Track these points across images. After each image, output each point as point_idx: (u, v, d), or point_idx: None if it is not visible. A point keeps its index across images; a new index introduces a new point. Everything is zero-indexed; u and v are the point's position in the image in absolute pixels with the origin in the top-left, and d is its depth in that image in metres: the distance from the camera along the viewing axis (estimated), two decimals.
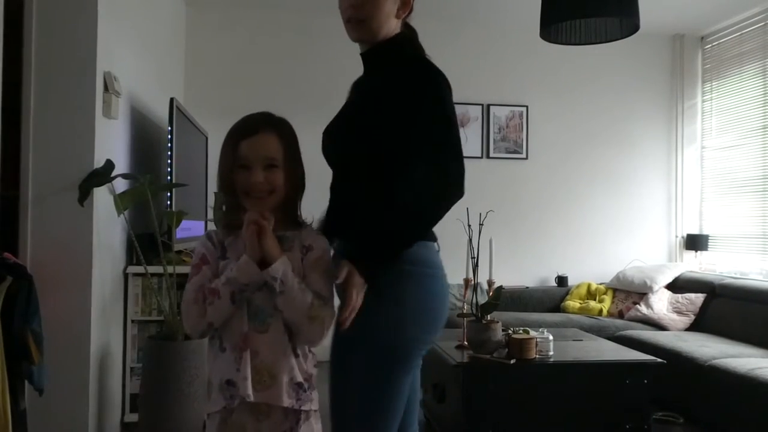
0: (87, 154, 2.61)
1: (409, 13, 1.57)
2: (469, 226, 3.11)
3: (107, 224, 2.82)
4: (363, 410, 1.42)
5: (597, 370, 2.85)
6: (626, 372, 2.85)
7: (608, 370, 2.85)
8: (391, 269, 1.39)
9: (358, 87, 1.61)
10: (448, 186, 1.40)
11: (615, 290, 4.87)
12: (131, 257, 3.23)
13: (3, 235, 2.67)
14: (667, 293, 4.56)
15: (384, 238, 1.38)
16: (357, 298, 1.34)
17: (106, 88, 2.72)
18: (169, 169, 3.15)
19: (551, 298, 4.91)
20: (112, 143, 2.88)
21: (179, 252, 3.31)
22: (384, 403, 1.41)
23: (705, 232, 5.21)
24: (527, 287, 4.99)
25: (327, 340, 1.45)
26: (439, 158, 1.39)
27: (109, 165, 2.69)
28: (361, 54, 1.58)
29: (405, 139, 1.40)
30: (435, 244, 1.54)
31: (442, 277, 1.50)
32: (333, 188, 1.59)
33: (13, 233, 2.57)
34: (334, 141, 1.55)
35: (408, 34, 1.58)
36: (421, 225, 1.42)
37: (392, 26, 1.52)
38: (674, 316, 4.33)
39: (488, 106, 5.12)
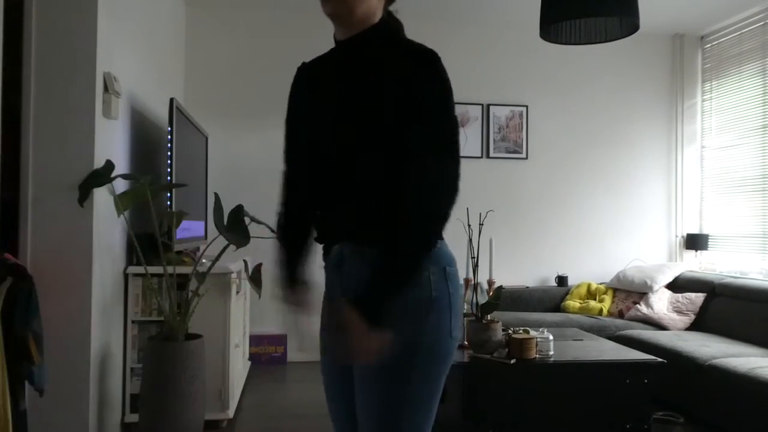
0: (87, 154, 2.61)
1: (392, 1, 1.43)
2: (469, 226, 3.11)
3: (107, 225, 2.82)
4: (420, 418, 1.32)
5: (597, 370, 2.84)
6: (626, 372, 2.85)
7: (608, 369, 2.85)
8: (435, 272, 1.31)
9: (341, 75, 1.41)
10: (454, 193, 1.28)
11: (615, 290, 4.87)
12: (131, 258, 3.23)
13: (3, 235, 2.67)
14: (668, 293, 4.56)
15: (397, 275, 1.24)
16: (366, 343, 1.22)
17: (105, 89, 2.72)
18: (169, 170, 3.15)
19: (551, 298, 4.91)
20: (112, 144, 2.88)
21: (179, 252, 3.31)
22: (434, 406, 1.34)
23: (705, 232, 5.22)
24: (527, 287, 4.99)
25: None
26: (446, 163, 1.28)
27: (109, 165, 2.69)
28: (339, 41, 1.41)
29: (412, 140, 1.27)
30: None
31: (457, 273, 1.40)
32: (326, 188, 1.41)
33: (13, 234, 2.57)
34: (334, 135, 1.37)
35: (393, 23, 1.43)
36: (434, 239, 1.31)
37: (372, 6, 1.36)
38: (674, 315, 4.33)
39: (488, 105, 5.12)
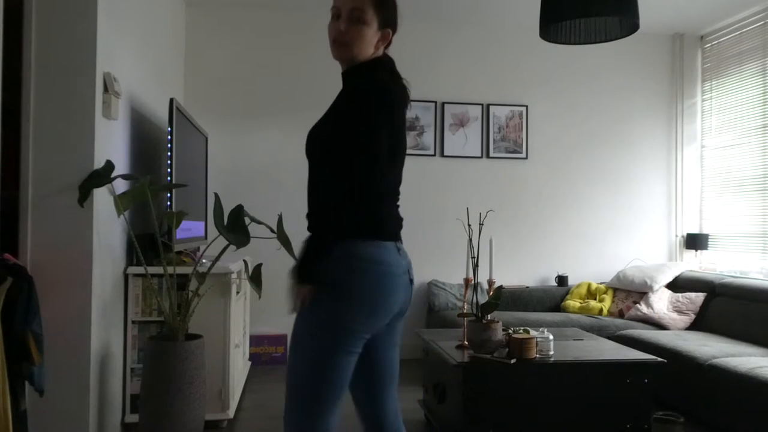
0: (87, 154, 2.61)
1: (388, 45, 1.77)
2: (469, 226, 3.11)
3: (107, 225, 2.82)
4: (308, 381, 1.61)
5: (597, 370, 2.85)
6: (627, 371, 2.85)
7: (609, 369, 2.85)
8: (343, 265, 1.60)
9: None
10: (360, 186, 1.54)
11: (615, 290, 4.87)
12: (131, 258, 3.23)
13: (3, 235, 2.67)
14: (668, 292, 4.56)
15: (312, 241, 1.60)
16: (296, 300, 1.62)
17: (105, 89, 2.73)
18: (169, 170, 3.15)
19: (551, 298, 4.91)
20: (111, 144, 2.88)
21: (179, 252, 3.31)
22: (326, 375, 1.60)
23: (705, 232, 5.22)
24: (527, 287, 4.99)
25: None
26: (356, 161, 1.55)
27: (109, 166, 2.69)
28: (341, 72, 1.76)
29: (337, 142, 1.59)
30: (392, 243, 1.67)
31: (389, 273, 1.64)
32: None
33: (13, 234, 2.57)
34: (307, 143, 1.74)
35: (384, 60, 1.76)
36: (336, 222, 1.58)
37: (370, 53, 1.71)
38: (674, 315, 4.33)
39: (488, 105, 5.12)
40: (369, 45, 1.70)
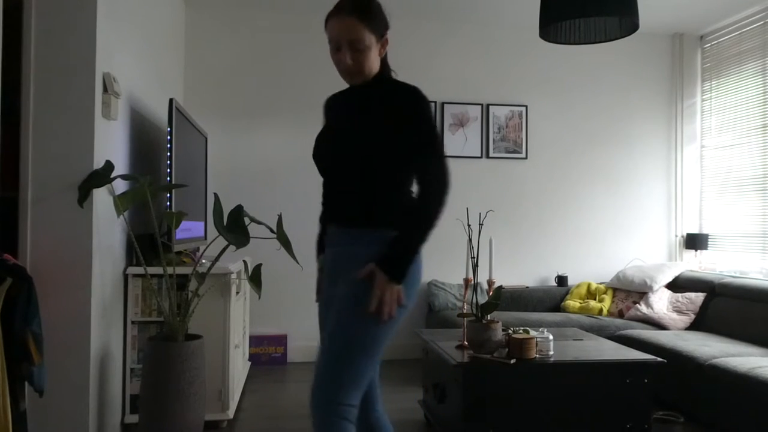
0: (86, 155, 2.61)
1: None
2: (469, 226, 3.11)
3: (107, 225, 2.82)
4: (360, 358, 1.63)
5: (597, 370, 2.84)
6: (626, 371, 2.85)
7: (608, 369, 2.85)
8: (417, 260, 1.72)
9: (350, 103, 1.86)
10: (447, 181, 1.68)
11: (615, 290, 4.87)
12: (131, 258, 3.23)
13: (3, 236, 2.67)
14: (667, 292, 4.56)
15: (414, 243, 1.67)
16: (390, 295, 1.61)
17: (105, 89, 2.73)
18: (168, 170, 3.15)
19: (551, 298, 4.91)
20: (111, 144, 2.88)
21: (179, 253, 3.31)
22: (376, 354, 1.66)
23: (705, 232, 5.22)
24: (527, 287, 4.99)
25: None
26: (438, 155, 1.69)
27: (109, 166, 2.69)
28: (352, 85, 1.83)
29: (409, 142, 1.69)
30: None
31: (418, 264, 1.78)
32: (337, 184, 1.79)
33: (12, 234, 2.57)
34: (347, 146, 1.74)
35: (387, 71, 1.86)
36: (420, 221, 1.67)
37: (374, 67, 1.78)
38: (674, 315, 4.33)
39: (488, 105, 5.12)
40: (376, 60, 1.77)
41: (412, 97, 1.71)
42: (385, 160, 1.71)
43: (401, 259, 1.63)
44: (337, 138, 1.79)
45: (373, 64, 1.76)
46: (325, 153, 1.80)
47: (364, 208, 1.72)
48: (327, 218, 1.85)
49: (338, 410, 1.57)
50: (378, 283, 1.61)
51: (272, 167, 4.87)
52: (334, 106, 1.94)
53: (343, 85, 1.86)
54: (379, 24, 1.75)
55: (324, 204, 1.86)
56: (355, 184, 1.73)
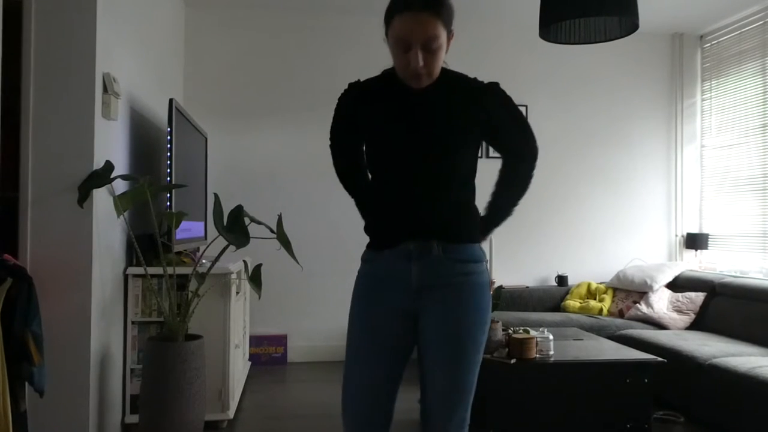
0: (86, 155, 2.61)
1: None
2: None
3: (107, 225, 2.82)
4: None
5: (597, 370, 2.85)
6: (627, 371, 2.85)
7: (609, 369, 2.85)
8: None
9: (427, 98, 1.68)
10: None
11: (615, 289, 4.87)
12: (131, 258, 3.23)
13: (3, 236, 2.67)
14: (668, 292, 4.56)
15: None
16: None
17: (105, 90, 2.72)
18: (168, 170, 3.15)
19: (551, 298, 4.91)
20: (111, 144, 2.88)
21: (179, 253, 3.31)
22: None
23: (705, 231, 5.22)
24: (527, 287, 4.99)
25: None
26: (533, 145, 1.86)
27: (109, 166, 2.69)
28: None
29: (508, 138, 1.85)
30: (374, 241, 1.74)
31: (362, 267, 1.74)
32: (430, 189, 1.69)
33: (12, 234, 2.57)
34: (437, 141, 1.67)
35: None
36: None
37: (440, 66, 1.65)
38: (674, 315, 4.33)
39: None
40: (443, 57, 1.64)
41: (500, 91, 1.74)
42: (471, 166, 1.79)
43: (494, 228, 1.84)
44: (432, 134, 1.65)
45: (441, 64, 1.62)
46: (420, 146, 1.64)
47: (466, 219, 1.76)
48: (399, 224, 1.66)
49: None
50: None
51: (272, 167, 4.87)
52: (390, 95, 1.68)
53: (344, 79, 1.78)
54: (450, 17, 1.58)
55: (394, 206, 1.67)
56: (456, 190, 1.76)
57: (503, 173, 1.91)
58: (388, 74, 1.69)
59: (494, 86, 1.73)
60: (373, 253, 1.72)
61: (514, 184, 1.87)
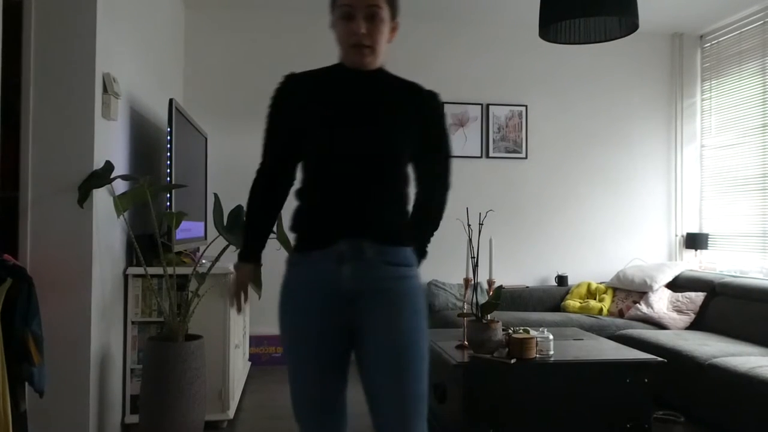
0: (86, 155, 2.61)
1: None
2: (469, 225, 3.10)
3: (107, 225, 2.82)
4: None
5: (597, 370, 2.84)
6: (627, 371, 2.85)
7: (609, 369, 2.85)
8: None
9: (369, 89, 1.64)
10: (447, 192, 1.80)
11: (615, 289, 4.87)
12: (131, 258, 3.23)
13: (3, 236, 2.67)
14: (668, 292, 4.56)
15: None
16: None
17: (105, 90, 2.72)
18: (168, 170, 3.15)
19: (551, 298, 4.91)
20: (111, 144, 2.88)
21: (179, 253, 3.31)
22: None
23: (705, 231, 5.22)
24: (527, 287, 4.99)
25: None
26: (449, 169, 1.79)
27: (109, 166, 2.69)
28: (362, 71, 1.63)
29: (434, 150, 1.72)
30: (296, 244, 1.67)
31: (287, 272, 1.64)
32: (361, 186, 1.57)
33: (12, 234, 2.57)
34: (379, 137, 1.59)
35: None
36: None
37: (383, 57, 1.64)
38: (674, 314, 4.33)
39: (487, 105, 5.11)
40: (386, 42, 1.61)
41: (440, 102, 1.75)
42: (406, 168, 1.67)
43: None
44: (374, 131, 1.58)
45: (385, 47, 1.60)
46: (362, 142, 1.56)
47: (402, 220, 1.65)
48: (333, 222, 1.57)
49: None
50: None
51: None
52: (332, 86, 1.65)
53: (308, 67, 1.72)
54: (395, 0, 1.62)
55: (330, 203, 1.58)
56: (393, 190, 1.62)
57: (417, 203, 1.75)
58: (327, 68, 1.68)
59: (435, 95, 1.74)
60: (300, 255, 1.61)
61: (429, 219, 1.81)
